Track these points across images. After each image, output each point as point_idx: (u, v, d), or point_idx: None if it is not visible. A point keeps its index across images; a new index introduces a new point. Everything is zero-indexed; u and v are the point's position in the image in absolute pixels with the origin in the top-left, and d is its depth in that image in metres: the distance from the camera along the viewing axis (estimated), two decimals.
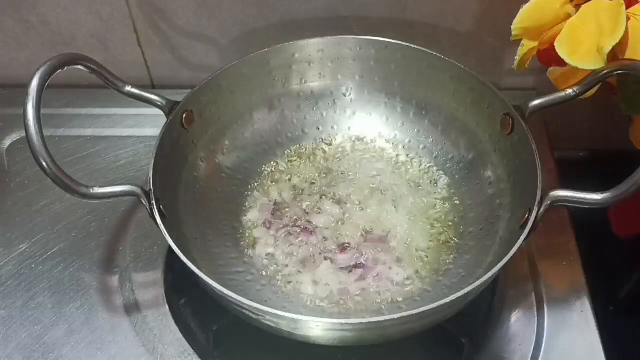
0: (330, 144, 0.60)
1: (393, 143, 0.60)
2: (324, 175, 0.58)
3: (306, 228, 0.53)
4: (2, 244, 0.55)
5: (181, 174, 0.53)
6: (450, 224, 0.54)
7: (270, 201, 0.56)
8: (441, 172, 0.57)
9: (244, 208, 0.55)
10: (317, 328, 0.41)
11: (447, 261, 0.51)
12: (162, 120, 0.50)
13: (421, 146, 0.59)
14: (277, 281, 0.50)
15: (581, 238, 0.54)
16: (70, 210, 0.57)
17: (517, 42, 0.50)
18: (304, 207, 0.55)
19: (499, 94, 0.52)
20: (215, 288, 0.41)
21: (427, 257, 0.51)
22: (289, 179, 0.57)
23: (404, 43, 0.56)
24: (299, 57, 0.58)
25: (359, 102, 0.60)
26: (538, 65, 0.50)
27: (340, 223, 0.54)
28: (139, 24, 0.64)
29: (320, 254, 0.52)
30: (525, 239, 0.42)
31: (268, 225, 0.54)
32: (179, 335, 0.49)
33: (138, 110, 0.60)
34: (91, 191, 0.43)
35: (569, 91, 0.48)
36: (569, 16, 0.46)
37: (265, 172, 0.58)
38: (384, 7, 0.61)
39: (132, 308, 0.50)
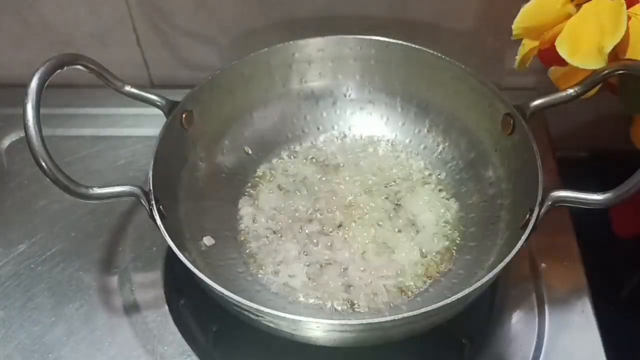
0: (331, 144, 0.60)
1: (393, 143, 0.59)
2: (325, 175, 0.58)
3: (307, 228, 0.53)
4: (1, 244, 0.54)
5: (181, 174, 0.53)
6: (450, 224, 0.53)
7: (270, 201, 0.56)
8: (442, 172, 0.57)
9: (244, 208, 0.55)
10: (317, 329, 0.41)
11: (448, 261, 0.51)
12: (162, 120, 0.50)
13: (422, 146, 0.59)
14: (278, 281, 0.50)
15: (582, 238, 0.54)
16: (69, 210, 0.57)
17: (518, 42, 0.50)
18: (305, 207, 0.55)
19: (500, 94, 0.51)
20: (215, 289, 0.41)
21: (427, 257, 0.51)
22: (289, 179, 0.57)
23: (404, 43, 0.56)
24: (299, 57, 0.57)
25: (359, 102, 0.60)
26: (539, 64, 0.50)
27: (340, 223, 0.54)
28: (138, 24, 0.64)
29: (320, 254, 0.52)
30: (526, 240, 0.42)
31: (268, 226, 0.54)
32: (179, 335, 0.48)
33: (137, 110, 0.60)
34: (90, 191, 0.43)
35: (570, 91, 0.47)
36: (569, 16, 0.46)
37: (265, 172, 0.58)
38: (384, 7, 0.61)
39: (131, 308, 0.50)
